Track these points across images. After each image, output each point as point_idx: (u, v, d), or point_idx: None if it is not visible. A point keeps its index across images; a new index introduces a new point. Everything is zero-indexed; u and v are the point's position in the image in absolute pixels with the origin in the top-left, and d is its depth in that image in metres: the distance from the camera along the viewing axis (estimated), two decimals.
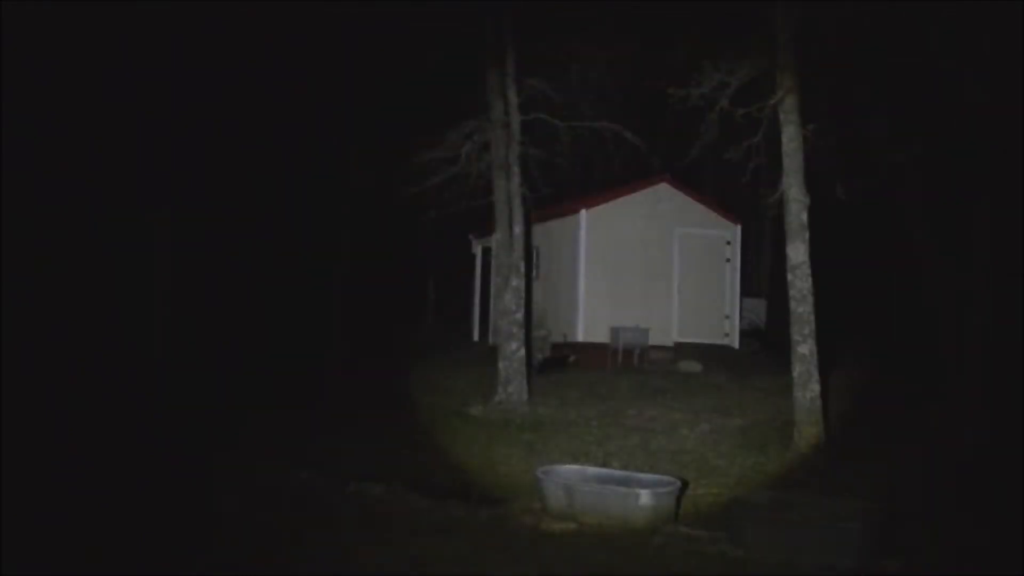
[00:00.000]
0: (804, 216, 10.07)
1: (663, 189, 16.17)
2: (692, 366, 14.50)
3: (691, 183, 16.94)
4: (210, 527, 6.97)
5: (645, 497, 7.20)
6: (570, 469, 8.21)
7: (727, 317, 16.42)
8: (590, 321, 15.41)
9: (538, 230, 15.89)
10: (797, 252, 10.08)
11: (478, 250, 18.85)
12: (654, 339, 15.27)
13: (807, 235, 10.09)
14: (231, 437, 10.57)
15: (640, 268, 15.81)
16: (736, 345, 16.38)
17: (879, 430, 10.42)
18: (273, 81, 19.80)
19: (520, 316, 12.56)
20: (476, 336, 18.65)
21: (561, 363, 14.86)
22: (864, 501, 6.80)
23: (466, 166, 12.96)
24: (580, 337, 15.35)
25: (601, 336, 15.18)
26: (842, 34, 10.69)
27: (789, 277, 10.16)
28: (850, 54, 11.68)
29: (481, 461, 9.63)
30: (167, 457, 9.51)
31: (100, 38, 15.27)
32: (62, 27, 14.29)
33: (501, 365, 12.33)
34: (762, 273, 20.81)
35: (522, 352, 12.40)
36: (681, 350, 15.36)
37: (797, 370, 9.95)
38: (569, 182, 18.20)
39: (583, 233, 15.61)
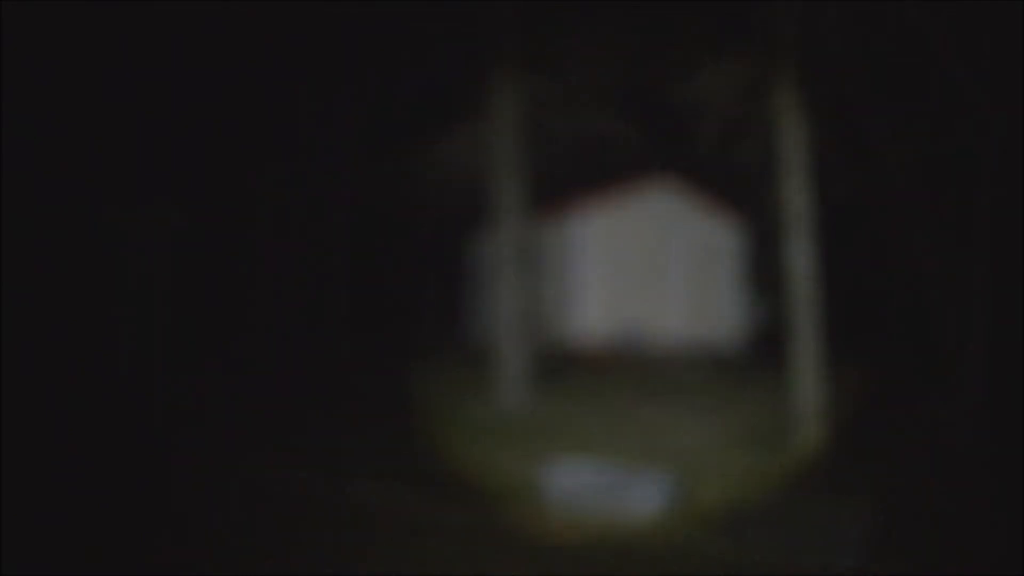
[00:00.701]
0: (805, 216, 10.08)
1: (663, 189, 16.16)
2: (692, 366, 14.51)
3: (691, 183, 16.95)
4: (210, 527, 6.96)
5: (645, 497, 7.20)
6: (570, 469, 8.19)
7: (727, 317, 16.41)
8: (590, 321, 15.41)
9: (537, 230, 15.90)
10: (798, 252, 10.09)
11: (477, 250, 18.85)
12: (654, 339, 15.27)
13: (808, 235, 10.09)
14: (231, 437, 10.57)
15: (640, 268, 15.82)
16: (737, 345, 16.38)
17: (880, 430, 10.43)
18: (273, 80, 19.84)
19: (519, 316, 12.56)
20: (475, 336, 18.66)
21: (561, 363, 14.87)
22: (864, 501, 6.79)
23: (468, 165, 12.95)
24: (580, 337, 15.34)
25: (601, 336, 15.17)
26: (842, 34, 10.70)
27: (790, 277, 10.17)
28: (850, 54, 11.70)
29: (481, 461, 9.62)
30: (167, 457, 9.51)
31: (100, 38, 15.28)
32: (62, 27, 14.30)
33: (500, 365, 12.34)
34: (763, 273, 20.82)
35: (521, 352, 12.41)
36: (681, 350, 15.36)
37: (798, 370, 9.96)
38: (569, 182, 18.22)
39: (583, 233, 15.61)
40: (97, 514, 7.19)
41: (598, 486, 7.62)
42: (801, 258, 10.06)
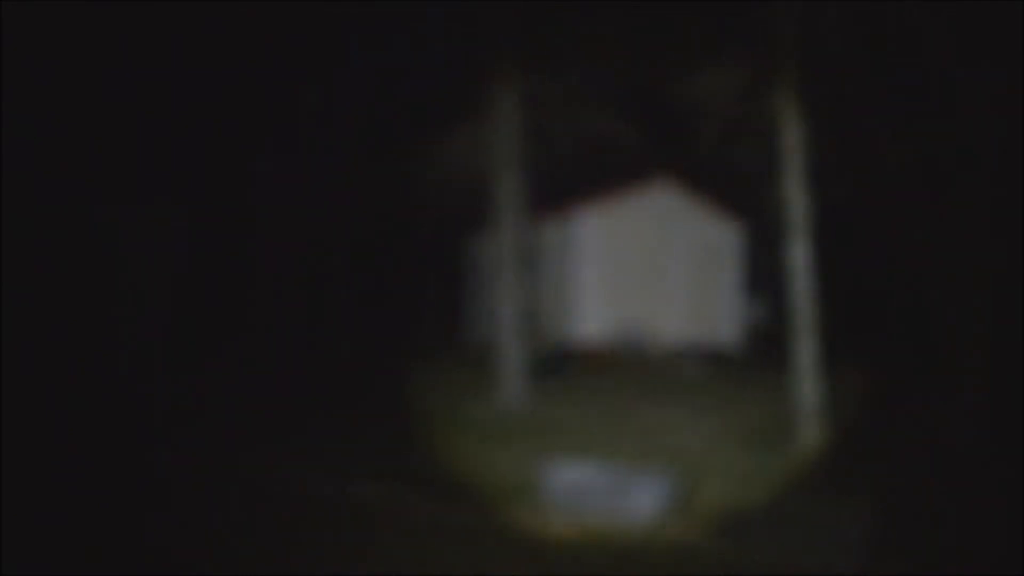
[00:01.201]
0: (804, 216, 10.09)
1: (663, 189, 16.16)
2: (692, 366, 14.51)
3: (691, 183, 16.95)
4: (210, 527, 6.96)
5: (645, 497, 7.20)
6: (570, 469, 8.19)
7: (727, 317, 16.41)
8: (589, 321, 15.41)
9: (537, 230, 15.90)
10: (798, 252, 10.09)
11: (477, 249, 18.85)
12: (654, 339, 15.27)
13: (808, 235, 10.10)
14: (231, 437, 10.57)
15: (640, 268, 15.83)
16: (737, 345, 16.38)
17: (880, 430, 10.43)
18: (273, 80, 19.84)
19: (519, 316, 12.56)
20: (475, 336, 18.66)
21: (561, 363, 14.87)
22: (864, 501, 6.79)
23: (468, 165, 12.95)
24: (580, 337, 15.35)
25: (601, 336, 15.18)
26: (842, 34, 10.70)
27: (790, 277, 10.17)
28: (850, 54, 11.70)
29: (480, 461, 9.62)
30: (167, 457, 9.51)
31: (100, 38, 15.28)
32: (62, 27, 14.29)
33: (500, 365, 12.34)
34: (763, 273, 20.83)
35: (521, 352, 12.41)
36: (681, 350, 15.36)
37: (798, 370, 9.96)
38: (569, 182, 18.22)
39: (583, 233, 15.61)
40: (97, 514, 7.18)
41: (598, 486, 7.61)
42: (801, 258, 10.07)
